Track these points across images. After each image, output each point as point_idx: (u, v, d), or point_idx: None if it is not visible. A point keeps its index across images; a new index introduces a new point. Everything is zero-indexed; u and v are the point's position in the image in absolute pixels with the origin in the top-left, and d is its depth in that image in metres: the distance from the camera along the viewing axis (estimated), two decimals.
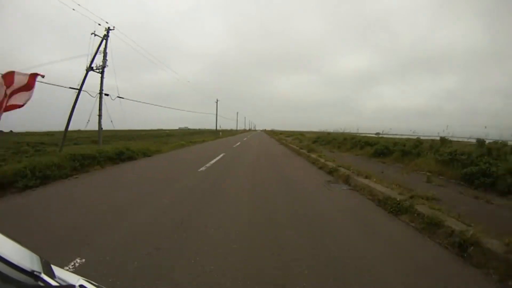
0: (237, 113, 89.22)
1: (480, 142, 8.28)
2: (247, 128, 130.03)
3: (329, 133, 25.43)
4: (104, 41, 14.26)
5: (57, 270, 0.70)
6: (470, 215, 3.91)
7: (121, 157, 10.31)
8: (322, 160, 10.07)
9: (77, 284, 0.68)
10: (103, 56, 14.47)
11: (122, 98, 16.10)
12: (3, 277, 0.55)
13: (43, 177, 6.34)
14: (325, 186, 6.73)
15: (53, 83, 11.85)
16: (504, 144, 7.99)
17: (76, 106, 13.27)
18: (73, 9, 13.30)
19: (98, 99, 14.48)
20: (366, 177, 6.62)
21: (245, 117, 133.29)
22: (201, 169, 8.80)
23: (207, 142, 24.95)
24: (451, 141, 10.27)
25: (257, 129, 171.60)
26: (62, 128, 13.77)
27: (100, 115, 14.94)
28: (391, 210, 4.54)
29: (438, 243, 3.33)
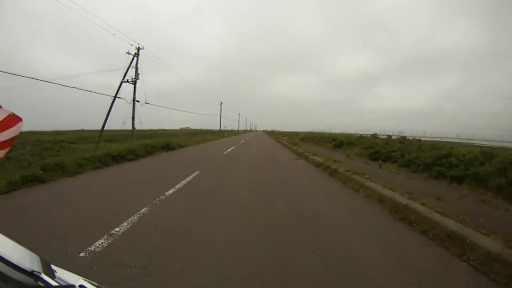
0: (239, 114, 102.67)
1: (388, 137, 14.39)
2: (248, 129, 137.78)
3: (314, 133, 33.10)
4: (136, 58, 16.71)
5: (57, 270, 0.70)
6: (355, 167, 8.48)
7: (168, 147, 15.10)
8: (298, 149, 15.76)
9: (77, 284, 0.68)
10: (135, 71, 17.06)
11: (149, 104, 18.87)
12: (3, 277, 0.55)
13: (135, 156, 10.78)
14: (292, 160, 12.44)
15: (87, 89, 14.39)
16: (403, 137, 14.01)
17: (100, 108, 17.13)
18: (114, 35, 18.34)
19: (111, 102, 15.58)
20: (315, 155, 11.93)
21: (246, 118, 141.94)
22: (224, 153, 14.33)
23: (217, 140, 29.71)
24: (378, 136, 16.09)
25: (257, 129, 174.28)
26: (65, 127, 17.87)
27: (133, 118, 17.79)
28: (319, 167, 9.68)
29: (335, 179, 7.85)
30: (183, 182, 6.34)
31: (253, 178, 7.57)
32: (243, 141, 29.17)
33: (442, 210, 4.04)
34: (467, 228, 3.36)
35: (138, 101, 18.19)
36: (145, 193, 5.19)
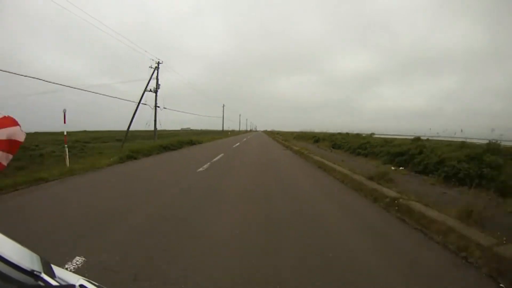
0: (240, 115, 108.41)
1: (352, 134, 19.87)
2: (248, 129, 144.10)
3: (304, 132, 39.53)
4: (156, 71, 20.73)
5: (57, 270, 0.70)
6: (315, 152, 14.20)
7: (191, 143, 21.28)
8: (286, 144, 22.06)
9: (77, 284, 0.68)
10: (156, 81, 21.11)
11: (166, 108, 23.03)
12: (3, 277, 0.56)
13: (175, 147, 16.50)
14: (280, 149, 18.15)
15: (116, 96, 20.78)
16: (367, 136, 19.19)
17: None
18: (146, 51, 23.77)
19: (135, 107, 19.68)
20: (296, 147, 17.64)
21: (246, 119, 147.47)
22: (233, 146, 20.37)
23: (223, 139, 36.13)
24: (341, 133, 21.79)
25: (258, 129, 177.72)
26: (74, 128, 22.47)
27: (155, 120, 22.52)
28: (298, 154, 15.12)
29: (300, 157, 13.76)
30: (218, 157, 12.14)
31: (256, 159, 13.11)
32: (245, 139, 35.46)
33: (341, 165, 9.26)
34: (351, 172, 8.09)
35: (158, 107, 22.12)
36: (203, 159, 11.02)
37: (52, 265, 0.70)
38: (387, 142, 12.46)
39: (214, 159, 11.39)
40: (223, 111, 56.15)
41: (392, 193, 5.02)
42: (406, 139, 13.48)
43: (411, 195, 4.77)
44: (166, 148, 15.62)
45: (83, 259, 2.66)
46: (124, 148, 15.82)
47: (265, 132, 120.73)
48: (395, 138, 15.43)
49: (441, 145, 9.54)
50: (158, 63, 20.94)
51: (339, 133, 22.82)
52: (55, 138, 23.48)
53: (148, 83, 20.53)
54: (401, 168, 8.69)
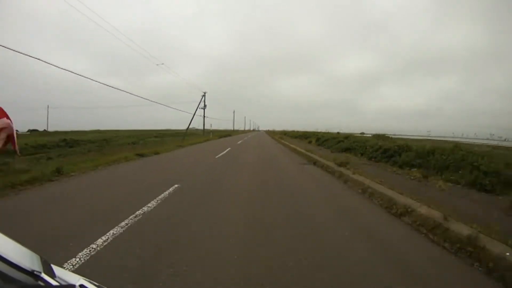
0: (245, 117, 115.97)
1: (332, 133, 21.47)
2: (252, 129, 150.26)
3: (298, 131, 43.20)
4: (204, 97, 33.44)
5: (57, 269, 0.68)
6: (301, 146, 15.77)
7: (228, 135, 33.43)
8: (280, 140, 24.51)
9: (77, 284, 0.66)
10: (204, 103, 33.73)
11: (207, 117, 36.40)
12: (3, 277, 0.54)
13: (223, 137, 34.23)
14: (274, 144, 20.34)
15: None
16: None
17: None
18: (180, 76, 30.01)
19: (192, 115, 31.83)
20: (286, 142, 19.93)
21: (250, 120, 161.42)
22: (245, 139, 27.15)
23: (232, 137, 40.31)
24: (328, 132, 23.70)
25: (260, 129, 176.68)
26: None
27: (204, 124, 36.02)
28: (285, 146, 17.21)
29: (288, 149, 15.55)
30: (248, 136, 27.68)
31: (258, 147, 16.89)
32: (251, 135, 48.42)
33: (320, 155, 10.32)
34: (321, 158, 9.59)
35: (207, 117, 36.71)
36: (241, 139, 25.76)
37: (52, 265, 0.68)
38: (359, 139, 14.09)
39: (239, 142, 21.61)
40: (234, 116, 72.15)
41: (315, 156, 10.83)
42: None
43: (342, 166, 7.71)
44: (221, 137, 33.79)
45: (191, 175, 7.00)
46: (186, 139, 25.03)
47: (266, 131, 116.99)
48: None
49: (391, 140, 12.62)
50: (205, 93, 34.02)
51: (328, 132, 24.57)
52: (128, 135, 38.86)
53: (199, 105, 32.72)
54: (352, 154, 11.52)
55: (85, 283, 0.69)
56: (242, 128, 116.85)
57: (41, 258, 0.66)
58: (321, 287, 2.17)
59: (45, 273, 0.62)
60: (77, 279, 0.70)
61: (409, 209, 3.85)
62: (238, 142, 21.90)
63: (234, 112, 78.43)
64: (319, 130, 31.44)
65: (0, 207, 4.17)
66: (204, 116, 34.57)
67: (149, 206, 4.04)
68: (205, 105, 33.91)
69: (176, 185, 5.55)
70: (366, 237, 3.16)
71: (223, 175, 7.14)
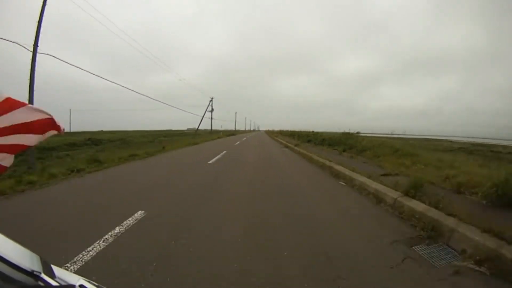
0: (245, 118, 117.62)
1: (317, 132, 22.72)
2: (252, 129, 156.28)
3: (293, 130, 45.91)
4: (211, 102, 38.77)
5: (57, 270, 0.68)
6: (292, 143, 16.89)
7: (232, 134, 37.77)
8: (275, 138, 27.20)
9: (77, 284, 0.67)
10: (211, 107, 39.52)
11: (214, 119, 39.99)
12: (3, 277, 0.55)
13: (231, 135, 40.79)
14: (269, 140, 23.23)
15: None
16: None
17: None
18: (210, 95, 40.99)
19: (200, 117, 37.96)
20: (279, 139, 22.32)
21: (250, 120, 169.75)
22: (248, 136, 31.77)
23: (236, 135, 42.93)
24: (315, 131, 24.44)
25: (260, 129, 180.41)
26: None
27: (211, 125, 42.58)
28: (277, 142, 18.98)
29: (280, 144, 16.61)
30: (250, 135, 37.84)
31: (258, 142, 20.27)
32: (251, 135, 49.87)
33: (291, 143, 13.83)
34: (290, 144, 14.08)
35: (213, 119, 41.57)
36: (244, 136, 33.64)
37: (52, 266, 0.68)
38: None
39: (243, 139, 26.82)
40: (236, 116, 79.90)
41: (298, 149, 13.57)
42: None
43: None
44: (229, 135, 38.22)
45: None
46: (196, 137, 29.70)
47: (266, 131, 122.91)
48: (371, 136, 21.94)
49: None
50: (212, 98, 39.59)
51: (312, 131, 26.77)
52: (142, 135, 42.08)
53: (207, 108, 38.44)
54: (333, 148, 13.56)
55: (85, 283, 0.68)
56: (242, 128, 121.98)
57: (41, 258, 0.65)
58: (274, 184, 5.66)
59: (45, 274, 0.62)
60: (77, 279, 0.69)
61: (316, 159, 9.43)
62: (243, 139, 28.02)
63: (236, 113, 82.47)
64: (316, 130, 33.53)
65: (106, 172, 7.11)
66: (211, 118, 41.11)
67: (216, 159, 10.03)
68: (212, 109, 39.12)
69: (224, 151, 13.07)
70: (299, 168, 8.41)
71: (244, 144, 18.09)
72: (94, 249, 2.50)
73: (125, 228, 3.03)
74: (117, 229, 2.98)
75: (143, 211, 3.57)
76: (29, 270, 0.59)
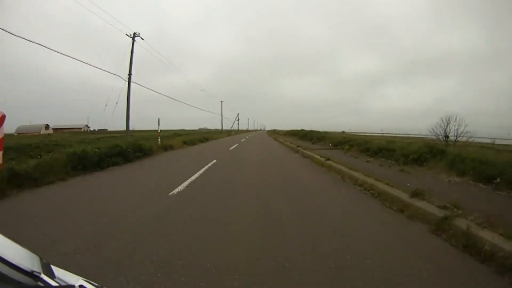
0: (248, 118, 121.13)
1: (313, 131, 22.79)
2: (259, 128, 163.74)
3: (293, 130, 48.52)
4: (221, 104, 47.10)
5: (57, 270, 0.68)
6: (290, 141, 17.42)
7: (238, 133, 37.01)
8: (275, 137, 28.09)
9: (76, 285, 0.66)
10: (221, 109, 48.54)
11: (226, 118, 47.39)
12: (3, 277, 0.54)
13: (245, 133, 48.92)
14: (268, 138, 24.78)
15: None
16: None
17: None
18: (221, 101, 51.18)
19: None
20: (279, 137, 23.24)
21: (254, 120, 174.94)
22: (251, 134, 34.30)
23: (242, 134, 47.95)
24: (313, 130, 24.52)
25: (266, 129, 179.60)
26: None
27: (221, 125, 50.43)
28: (276, 140, 19.97)
29: (278, 142, 17.38)
30: (254, 133, 46.10)
31: (259, 141, 21.14)
32: (256, 133, 56.15)
33: (298, 145, 12.94)
34: (286, 142, 14.28)
35: (226, 118, 44.75)
36: (249, 134, 40.77)
37: (52, 266, 0.67)
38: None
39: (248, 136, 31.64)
40: (238, 116, 77.13)
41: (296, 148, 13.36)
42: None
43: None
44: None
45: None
46: (218, 134, 34.77)
47: (268, 132, 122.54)
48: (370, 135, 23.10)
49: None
50: (222, 102, 48.04)
51: (310, 130, 26.93)
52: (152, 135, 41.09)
53: (222, 111, 47.92)
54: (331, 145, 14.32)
55: (85, 284, 0.67)
56: (246, 128, 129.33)
57: (40, 259, 0.64)
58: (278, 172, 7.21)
59: (45, 274, 0.61)
60: (77, 280, 0.68)
61: (315, 158, 9.77)
62: (249, 135, 36.98)
63: (238, 114, 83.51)
64: (321, 129, 33.71)
65: (170, 153, 12.04)
66: (222, 119, 49.23)
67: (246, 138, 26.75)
68: (222, 111, 47.73)
69: (243, 139, 21.92)
70: (299, 161, 10.06)
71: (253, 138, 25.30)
72: (200, 171, 6.83)
73: (211, 164, 8.07)
74: (206, 166, 7.66)
75: (215, 160, 8.95)
76: (28, 270, 0.59)
